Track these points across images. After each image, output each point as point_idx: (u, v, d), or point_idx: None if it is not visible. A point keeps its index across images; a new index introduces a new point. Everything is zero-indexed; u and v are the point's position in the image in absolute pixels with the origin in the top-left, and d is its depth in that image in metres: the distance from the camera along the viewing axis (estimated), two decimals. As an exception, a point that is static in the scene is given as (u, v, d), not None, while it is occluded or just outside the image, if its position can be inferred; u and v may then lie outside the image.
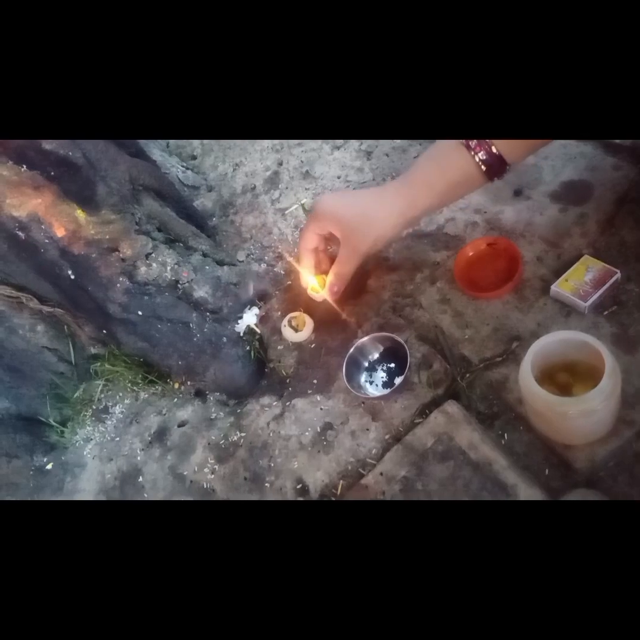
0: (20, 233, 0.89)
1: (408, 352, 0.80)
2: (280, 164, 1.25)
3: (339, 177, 1.16)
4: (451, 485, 0.70)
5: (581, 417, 0.63)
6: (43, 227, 0.88)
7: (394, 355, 0.85)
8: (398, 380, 0.81)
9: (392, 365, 0.85)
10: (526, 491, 0.66)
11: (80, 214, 0.89)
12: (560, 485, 0.67)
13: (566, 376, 0.69)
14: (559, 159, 0.95)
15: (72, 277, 0.92)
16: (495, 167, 0.75)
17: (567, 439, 0.69)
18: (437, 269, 0.91)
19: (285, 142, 1.29)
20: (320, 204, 0.82)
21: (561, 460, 0.69)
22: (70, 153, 0.87)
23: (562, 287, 0.78)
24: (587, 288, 0.77)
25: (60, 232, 0.88)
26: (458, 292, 0.87)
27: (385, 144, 1.17)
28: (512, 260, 0.84)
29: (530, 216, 0.90)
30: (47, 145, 0.86)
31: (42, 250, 0.90)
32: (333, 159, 1.20)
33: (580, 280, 0.78)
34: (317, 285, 0.88)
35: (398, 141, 1.17)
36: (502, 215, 0.93)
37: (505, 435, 0.73)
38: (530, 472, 0.69)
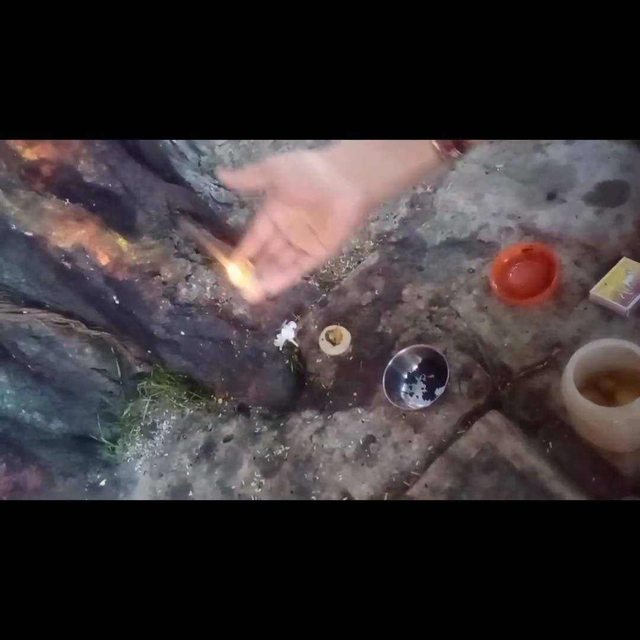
0: (66, 263, 0.93)
1: (447, 363, 0.81)
2: (310, 177, 1.27)
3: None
4: (496, 496, 0.70)
5: (626, 426, 0.62)
6: (88, 256, 0.92)
7: (433, 365, 0.85)
8: (439, 392, 0.81)
9: (432, 376, 0.85)
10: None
11: (122, 241, 0.93)
12: (608, 493, 0.67)
13: (610, 383, 0.68)
14: (592, 160, 0.94)
15: (117, 302, 0.96)
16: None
17: (613, 446, 0.68)
18: (472, 276, 0.91)
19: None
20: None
21: (608, 468, 0.68)
22: (110, 184, 0.91)
23: (602, 292, 0.77)
24: (628, 291, 0.76)
25: (104, 260, 0.92)
26: (495, 300, 0.86)
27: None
28: (549, 266, 0.84)
29: (566, 220, 0.89)
30: (88, 178, 0.89)
31: (87, 278, 0.94)
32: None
33: (620, 284, 0.77)
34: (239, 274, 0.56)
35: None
36: (537, 220, 0.92)
37: (550, 443, 0.73)
38: (576, 481, 0.69)
